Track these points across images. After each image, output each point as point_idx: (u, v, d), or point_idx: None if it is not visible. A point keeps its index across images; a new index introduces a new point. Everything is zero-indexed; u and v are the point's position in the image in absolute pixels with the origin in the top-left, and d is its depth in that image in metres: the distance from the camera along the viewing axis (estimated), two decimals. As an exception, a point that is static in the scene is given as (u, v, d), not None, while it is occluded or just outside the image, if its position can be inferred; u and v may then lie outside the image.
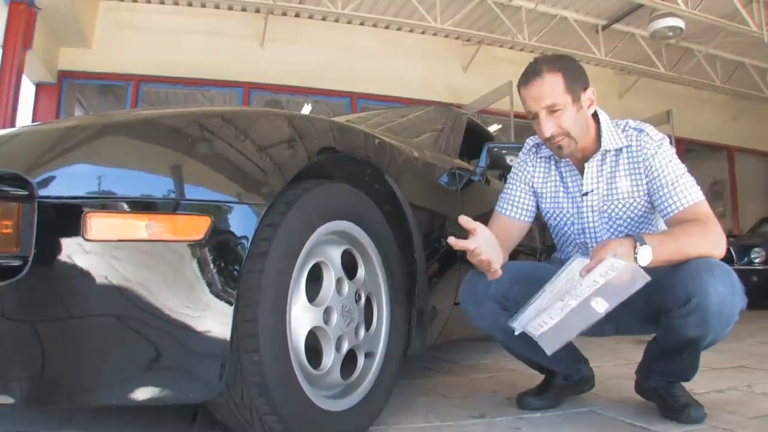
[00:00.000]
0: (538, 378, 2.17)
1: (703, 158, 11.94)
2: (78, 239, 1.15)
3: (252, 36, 8.66)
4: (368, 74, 9.09)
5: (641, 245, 1.61)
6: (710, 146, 11.99)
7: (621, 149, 1.93)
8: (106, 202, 1.19)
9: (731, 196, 12.16)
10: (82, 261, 1.15)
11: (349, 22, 9.09)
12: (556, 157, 2.03)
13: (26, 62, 6.64)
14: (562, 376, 2.10)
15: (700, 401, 1.85)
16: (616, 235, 1.95)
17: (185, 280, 1.23)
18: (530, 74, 1.87)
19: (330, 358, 1.57)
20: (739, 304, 1.63)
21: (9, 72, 6.34)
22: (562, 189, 2.04)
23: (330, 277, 1.62)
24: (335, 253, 1.67)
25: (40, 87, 7.89)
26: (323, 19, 8.97)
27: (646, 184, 1.88)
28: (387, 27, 9.34)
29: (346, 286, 1.66)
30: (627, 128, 1.94)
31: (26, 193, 1.16)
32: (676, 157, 1.88)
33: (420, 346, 2.02)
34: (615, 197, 1.93)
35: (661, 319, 1.76)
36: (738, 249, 7.12)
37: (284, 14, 8.79)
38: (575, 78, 1.87)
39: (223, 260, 1.28)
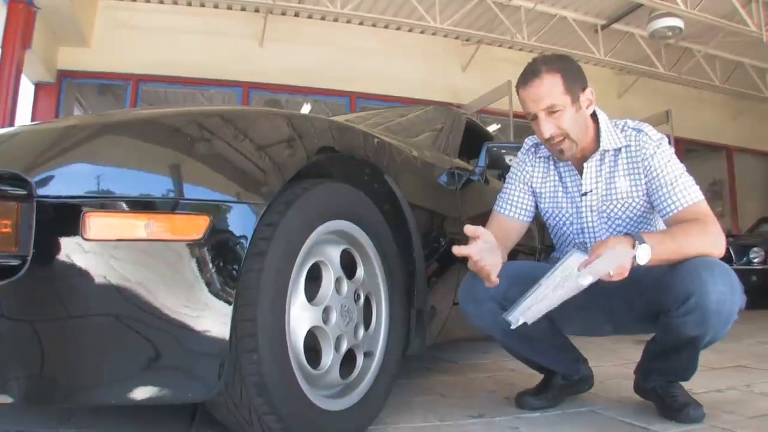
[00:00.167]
0: (537, 378, 2.17)
1: (703, 158, 11.95)
2: (77, 239, 1.15)
3: (251, 35, 8.66)
4: (367, 74, 9.09)
5: (640, 244, 1.61)
6: (709, 146, 12.00)
7: (620, 149, 1.93)
8: (105, 202, 1.19)
9: (730, 196, 12.17)
10: (80, 260, 1.15)
11: (348, 22, 9.09)
12: (555, 157, 2.03)
13: (25, 62, 6.64)
14: (561, 376, 2.10)
15: (699, 401, 1.85)
16: (615, 234, 1.95)
17: (184, 280, 1.23)
18: (529, 75, 1.86)
19: (329, 358, 1.57)
20: (738, 303, 1.63)
21: (8, 71, 6.34)
22: (561, 189, 2.04)
23: (329, 277, 1.62)
24: (334, 253, 1.67)
25: (39, 86, 7.89)
26: (322, 18, 8.97)
27: (645, 183, 1.88)
28: (386, 26, 9.35)
29: (345, 285, 1.66)
30: (626, 128, 1.94)
31: (25, 192, 1.16)
32: (675, 156, 1.88)
33: (419, 345, 2.02)
34: (614, 197, 1.93)
35: (660, 319, 1.76)
36: (737, 249, 7.12)
37: (283, 14, 8.79)
38: (574, 78, 1.87)
39: (222, 260, 1.28)
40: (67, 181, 1.18)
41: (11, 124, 6.29)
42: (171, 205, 1.25)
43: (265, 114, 1.59)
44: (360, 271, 1.78)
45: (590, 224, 1.97)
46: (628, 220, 1.94)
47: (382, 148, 1.95)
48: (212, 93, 9.38)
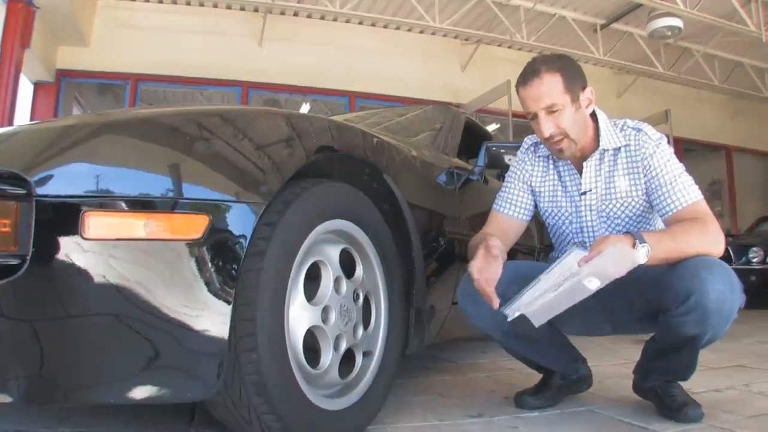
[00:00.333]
0: (536, 377, 2.18)
1: (702, 158, 11.96)
2: (76, 238, 1.15)
3: (250, 35, 8.66)
4: (367, 73, 9.09)
5: (640, 243, 1.61)
6: (709, 146, 12.01)
7: (619, 148, 1.93)
8: (104, 201, 1.19)
9: (729, 195, 12.18)
10: (80, 260, 1.15)
11: (347, 22, 9.09)
12: (554, 157, 2.03)
13: (24, 61, 6.63)
14: (560, 376, 2.10)
15: (698, 400, 1.85)
16: (614, 234, 1.95)
17: (183, 279, 1.23)
18: (529, 74, 1.87)
19: (328, 357, 1.57)
20: (737, 302, 1.63)
21: (7, 71, 6.33)
22: (560, 188, 2.04)
23: (328, 277, 1.62)
24: (333, 253, 1.67)
25: (38, 86, 7.89)
26: (321, 18, 8.97)
27: (645, 183, 1.88)
28: (385, 26, 9.35)
29: (344, 285, 1.66)
30: (625, 128, 1.94)
31: (24, 191, 1.15)
32: (674, 156, 1.88)
33: (418, 345, 2.02)
34: (613, 196, 1.93)
35: (659, 318, 1.76)
36: (736, 248, 7.13)
37: (282, 13, 8.79)
38: (574, 78, 1.87)
39: (221, 259, 1.28)
40: (66, 180, 1.18)
41: (10, 123, 6.29)
42: (170, 205, 1.25)
43: (264, 113, 1.59)
44: (359, 271, 1.78)
45: (589, 223, 1.97)
46: (627, 219, 1.94)
47: (382, 147, 1.95)
48: (211, 92, 9.38)
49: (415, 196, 2.05)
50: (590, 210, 1.96)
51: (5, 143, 1.32)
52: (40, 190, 1.15)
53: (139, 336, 1.20)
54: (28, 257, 1.13)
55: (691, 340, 1.70)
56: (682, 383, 1.92)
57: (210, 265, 1.26)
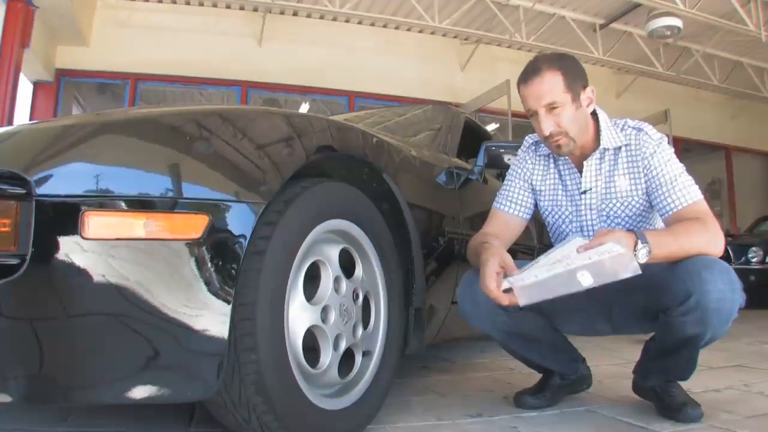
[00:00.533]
0: (536, 377, 2.18)
1: (701, 158, 11.97)
2: (76, 238, 1.15)
3: (250, 35, 8.67)
4: (366, 73, 9.10)
5: (643, 243, 1.60)
6: (708, 146, 12.01)
7: (620, 148, 1.93)
8: (103, 201, 1.19)
9: (729, 195, 12.19)
10: (79, 260, 1.15)
11: (347, 21, 9.09)
12: (555, 155, 2.03)
13: (24, 61, 6.64)
14: (559, 375, 2.10)
15: (698, 400, 1.86)
16: None
17: (183, 279, 1.23)
18: (530, 72, 1.87)
19: (327, 357, 1.57)
20: (738, 302, 1.63)
21: (7, 70, 6.34)
22: (560, 187, 2.04)
23: (328, 276, 1.62)
24: (333, 252, 1.67)
25: (37, 85, 7.90)
26: (321, 18, 8.98)
27: (645, 182, 1.88)
28: (385, 26, 9.35)
29: (343, 284, 1.66)
30: (626, 127, 1.94)
31: (24, 191, 1.15)
32: (674, 156, 1.88)
33: (417, 344, 2.03)
34: (613, 195, 1.93)
35: (659, 318, 1.76)
36: (735, 248, 7.13)
37: (282, 13, 8.80)
38: (575, 77, 1.87)
39: (221, 259, 1.28)
40: (65, 180, 1.18)
41: (10, 123, 6.29)
42: (170, 204, 1.25)
43: (263, 113, 1.59)
44: (359, 271, 1.78)
45: (589, 222, 1.97)
46: (627, 218, 1.94)
47: (381, 147, 1.95)
48: (211, 92, 9.39)
49: (414, 195, 2.05)
50: (590, 209, 1.96)
51: (5, 143, 1.32)
52: (40, 190, 1.15)
53: (138, 336, 1.20)
54: (28, 257, 1.13)
55: (691, 339, 1.70)
56: (681, 383, 1.92)
57: (210, 264, 1.26)
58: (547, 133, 1.86)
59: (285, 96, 9.38)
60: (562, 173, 2.03)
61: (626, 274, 1.53)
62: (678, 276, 1.65)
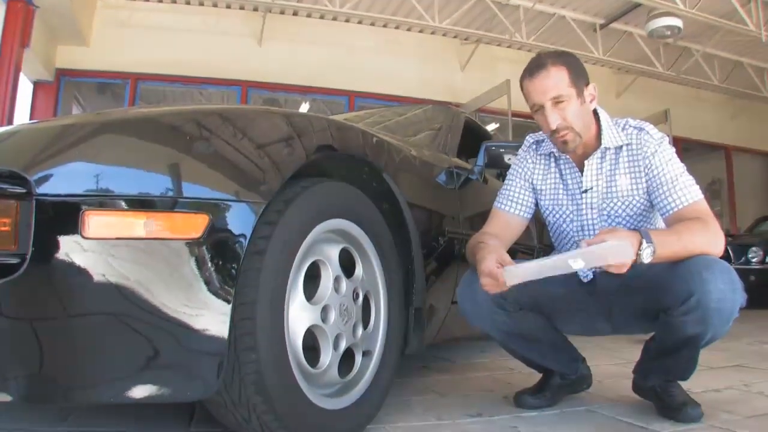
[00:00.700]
0: (536, 377, 2.18)
1: (701, 157, 11.96)
2: (76, 237, 1.15)
3: (250, 34, 8.67)
4: (366, 73, 9.10)
5: (647, 242, 1.60)
6: (708, 145, 12.01)
7: (621, 147, 1.93)
8: (104, 200, 1.19)
9: (729, 195, 12.19)
10: (79, 259, 1.15)
11: (347, 21, 9.10)
12: (556, 155, 2.03)
13: (24, 60, 6.64)
14: (559, 375, 2.10)
15: (698, 400, 1.85)
16: None
17: (183, 278, 1.23)
18: (535, 68, 1.87)
19: (327, 357, 1.57)
20: (738, 302, 1.63)
21: (7, 70, 6.34)
22: (561, 186, 2.04)
23: (328, 276, 1.62)
24: (333, 252, 1.67)
25: (37, 85, 7.90)
26: (321, 17, 8.98)
27: (646, 182, 1.88)
28: (385, 25, 9.36)
29: (344, 284, 1.66)
30: (627, 127, 1.94)
31: (24, 190, 1.15)
32: (675, 156, 1.88)
33: (417, 344, 2.03)
34: (614, 195, 1.93)
35: (660, 317, 1.76)
36: (735, 248, 7.13)
37: (282, 13, 8.80)
38: (578, 73, 1.88)
39: (221, 258, 1.28)
40: (66, 179, 1.18)
41: (10, 122, 6.29)
42: (170, 204, 1.25)
43: (263, 113, 1.59)
44: (359, 270, 1.78)
45: (590, 222, 1.97)
46: (628, 218, 1.93)
47: (381, 147, 1.95)
48: (211, 92, 9.39)
49: (414, 195, 2.05)
50: (591, 208, 1.96)
51: (5, 142, 1.31)
52: (40, 189, 1.15)
53: (138, 335, 1.20)
54: (28, 256, 1.13)
55: (692, 339, 1.70)
56: (681, 383, 1.92)
57: (210, 264, 1.26)
58: (554, 126, 1.86)
59: (285, 96, 9.39)
60: (563, 172, 2.03)
61: (619, 258, 1.55)
62: (679, 276, 1.65)
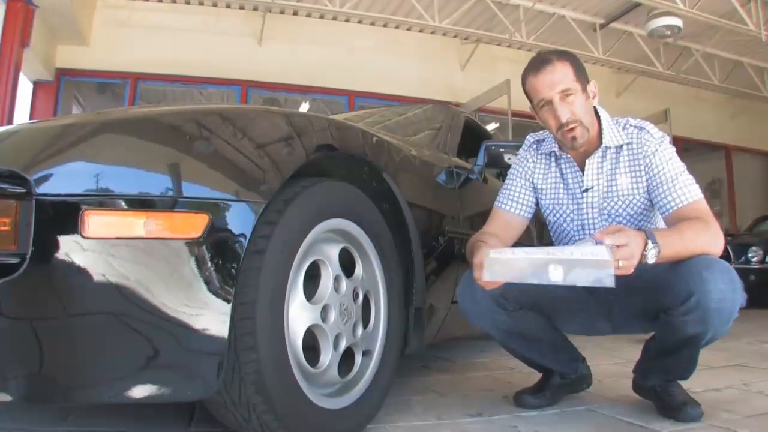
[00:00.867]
0: (536, 376, 2.18)
1: (701, 157, 11.96)
2: (76, 237, 1.15)
3: (250, 34, 8.67)
4: (366, 73, 9.10)
5: (653, 243, 1.59)
6: (708, 145, 12.01)
7: (622, 146, 1.93)
8: (103, 200, 1.19)
9: (729, 195, 12.19)
10: (79, 259, 1.15)
11: (347, 21, 9.09)
12: (557, 154, 2.03)
13: (24, 60, 6.64)
14: (559, 375, 2.10)
15: (698, 399, 1.86)
16: None
17: (183, 278, 1.23)
18: (540, 63, 1.87)
19: (327, 356, 1.57)
20: (739, 301, 1.63)
21: (6, 70, 6.34)
22: (562, 185, 2.04)
23: (328, 275, 1.62)
24: (333, 251, 1.67)
25: (37, 85, 7.90)
26: (321, 17, 8.98)
27: (646, 181, 1.88)
28: (385, 25, 9.35)
29: (343, 284, 1.66)
30: (628, 126, 1.94)
31: (24, 190, 1.15)
32: (676, 155, 1.88)
33: (417, 344, 2.03)
34: (615, 194, 1.93)
35: (660, 317, 1.76)
36: (735, 248, 7.13)
37: (282, 12, 8.80)
38: (580, 70, 1.89)
39: (221, 258, 1.28)
40: (65, 179, 1.18)
41: (10, 122, 6.28)
42: (170, 204, 1.25)
43: (263, 112, 1.59)
44: (359, 270, 1.78)
45: (591, 221, 1.97)
46: (628, 217, 1.93)
47: (381, 146, 1.95)
48: (211, 92, 9.38)
49: (414, 195, 2.05)
50: (592, 207, 1.96)
51: (5, 142, 1.31)
52: (40, 189, 1.15)
53: (138, 335, 1.20)
54: (28, 256, 1.13)
55: (692, 339, 1.70)
56: (681, 382, 1.92)
57: (209, 263, 1.26)
58: (564, 119, 1.85)
59: (285, 95, 9.38)
60: (564, 172, 2.03)
61: (598, 284, 1.45)
62: (679, 276, 1.65)
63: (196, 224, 1.25)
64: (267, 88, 9.10)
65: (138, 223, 1.21)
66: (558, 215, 2.06)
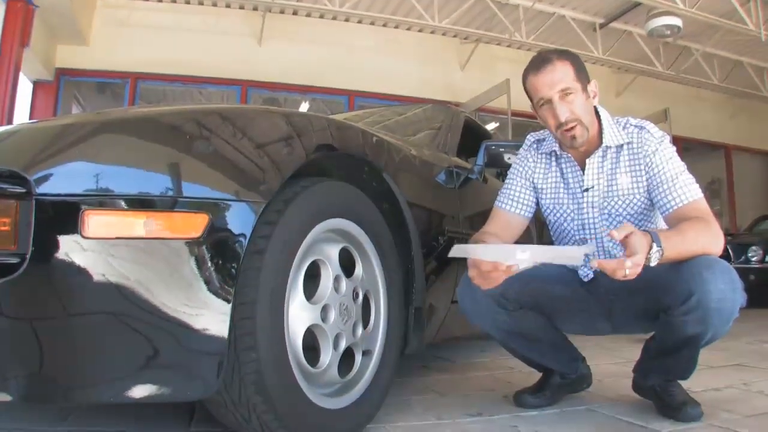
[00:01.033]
0: (536, 376, 2.18)
1: (701, 157, 11.95)
2: (75, 237, 1.15)
3: (250, 34, 8.67)
4: (366, 72, 9.10)
5: (657, 246, 1.58)
6: (708, 145, 12.01)
7: (622, 146, 1.93)
8: (103, 200, 1.19)
9: (729, 194, 12.19)
10: (79, 259, 1.15)
11: (346, 20, 9.09)
12: (558, 153, 2.03)
13: (24, 60, 6.63)
14: (559, 375, 2.10)
15: (698, 399, 1.86)
16: None
17: (183, 278, 1.23)
18: (540, 62, 1.88)
19: (327, 356, 1.57)
20: (739, 301, 1.63)
21: (6, 69, 6.33)
22: (562, 185, 2.04)
23: (327, 275, 1.62)
24: (333, 251, 1.67)
25: (37, 85, 7.89)
26: (321, 17, 8.98)
27: (646, 180, 1.88)
28: (385, 25, 9.35)
29: (343, 284, 1.66)
30: (628, 125, 1.94)
31: (24, 190, 1.15)
32: (676, 154, 1.88)
33: (417, 344, 2.03)
34: (615, 194, 1.93)
35: (660, 317, 1.76)
36: (735, 247, 7.13)
37: (282, 12, 8.80)
38: (581, 69, 1.89)
39: (221, 258, 1.28)
40: (65, 179, 1.18)
41: (9, 122, 6.28)
42: (170, 203, 1.25)
43: (263, 112, 1.59)
44: (359, 270, 1.78)
45: (591, 220, 1.97)
46: (629, 216, 1.93)
47: (381, 146, 1.95)
48: (210, 91, 9.38)
49: (414, 195, 2.05)
50: (592, 207, 1.96)
51: (5, 142, 1.31)
52: (40, 189, 1.15)
53: (138, 335, 1.20)
54: (28, 256, 1.13)
55: (692, 339, 1.70)
56: (681, 382, 1.92)
57: (209, 263, 1.26)
58: (563, 118, 1.85)
59: (285, 95, 9.38)
60: (564, 171, 2.03)
61: (565, 262, 1.56)
62: (679, 276, 1.65)
63: (196, 224, 1.25)
64: (267, 88, 9.10)
65: (138, 223, 1.21)
66: (558, 215, 2.06)
